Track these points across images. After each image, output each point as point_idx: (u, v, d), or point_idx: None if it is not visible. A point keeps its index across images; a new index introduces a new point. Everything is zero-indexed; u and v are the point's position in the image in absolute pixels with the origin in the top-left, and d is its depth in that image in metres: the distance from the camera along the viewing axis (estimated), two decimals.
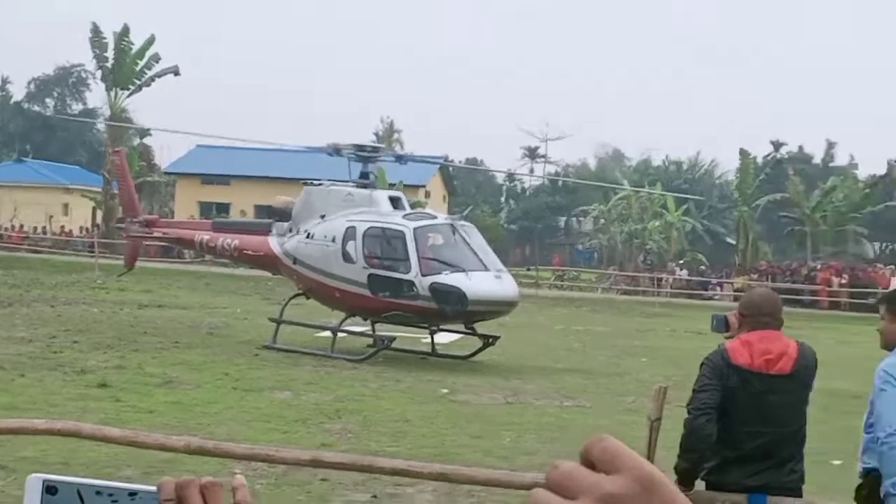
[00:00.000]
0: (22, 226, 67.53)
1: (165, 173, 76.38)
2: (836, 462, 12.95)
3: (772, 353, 6.07)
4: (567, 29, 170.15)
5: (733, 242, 74.80)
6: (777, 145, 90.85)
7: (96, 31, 61.31)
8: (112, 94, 62.50)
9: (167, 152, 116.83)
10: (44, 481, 1.21)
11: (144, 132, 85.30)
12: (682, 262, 63.84)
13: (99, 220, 64.92)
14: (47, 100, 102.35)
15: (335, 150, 24.81)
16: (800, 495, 6.19)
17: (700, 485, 6.33)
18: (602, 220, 76.55)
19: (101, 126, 79.75)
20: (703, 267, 62.16)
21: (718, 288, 54.81)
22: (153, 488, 1.22)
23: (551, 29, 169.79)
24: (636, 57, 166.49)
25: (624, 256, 68.15)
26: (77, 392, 15.64)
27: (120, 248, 42.50)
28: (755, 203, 66.42)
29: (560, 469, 1.13)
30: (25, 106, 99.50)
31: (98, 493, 1.22)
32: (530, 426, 15.02)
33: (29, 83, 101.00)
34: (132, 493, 1.22)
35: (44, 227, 69.56)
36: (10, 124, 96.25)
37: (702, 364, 6.25)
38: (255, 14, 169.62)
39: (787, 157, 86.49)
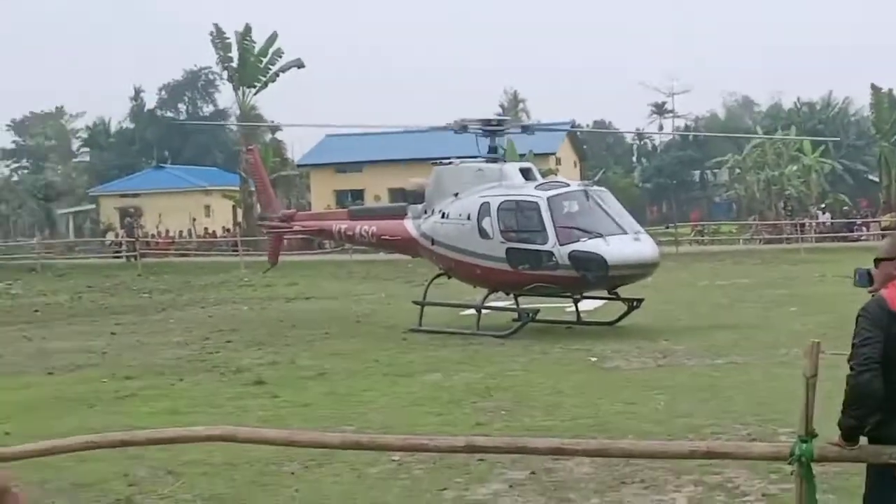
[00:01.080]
0: (167, 231, 69.37)
1: (298, 166, 77.50)
2: None
3: None
4: None
5: (877, 180, 72.78)
6: None
7: (219, 33, 62.47)
8: (240, 93, 63.66)
9: (299, 145, 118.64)
10: None
11: (275, 127, 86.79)
12: (823, 205, 62.41)
13: (240, 218, 66.23)
14: (179, 105, 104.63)
15: (462, 127, 24.87)
16: None
17: (862, 440, 6.21)
18: (737, 170, 75.25)
19: (233, 126, 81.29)
20: (846, 208, 60.65)
21: (864, 228, 53.43)
22: None
23: None
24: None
25: (763, 205, 66.90)
26: (235, 391, 16.03)
27: (262, 245, 43.34)
28: (895, 137, 64.52)
29: None
30: (159, 113, 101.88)
31: None
32: (683, 388, 14.90)
33: (160, 90, 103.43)
34: None
35: (188, 231, 71.33)
36: (146, 132, 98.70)
37: (858, 316, 6.04)
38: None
39: None
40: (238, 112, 66.62)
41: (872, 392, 5.86)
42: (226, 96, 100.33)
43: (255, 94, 63.68)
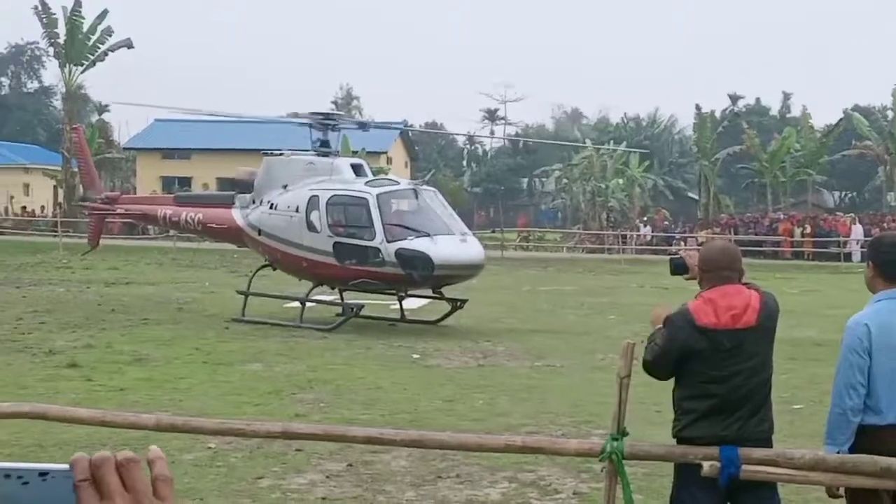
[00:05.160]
0: None
1: (125, 149, 75.83)
2: (797, 406, 13.13)
3: (736, 308, 6.07)
4: None
5: (695, 197, 75.16)
6: (734, 98, 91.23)
7: (44, 7, 60.40)
8: (66, 70, 61.82)
9: (126, 128, 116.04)
10: None
11: (102, 108, 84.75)
12: (645, 218, 64.10)
13: (61, 198, 64.39)
14: (2, 79, 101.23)
15: (295, 119, 24.71)
16: (770, 445, 6.26)
17: (672, 443, 6.41)
18: (564, 180, 76.69)
19: (57, 104, 78.94)
20: (666, 222, 62.42)
21: (682, 242, 55.07)
22: (66, 467, 1.19)
23: None
24: (589, 17, 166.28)
25: (588, 215, 68.25)
26: (47, 373, 15.60)
27: (83, 227, 42.26)
28: (715, 157, 66.76)
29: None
30: None
31: (7, 476, 1.18)
32: (502, 388, 15.11)
33: None
34: (43, 473, 1.18)
35: (5, 208, 69.00)
36: None
37: (665, 319, 6.25)
38: None
39: (744, 109, 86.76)
40: (63, 89, 64.67)
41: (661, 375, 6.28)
42: (52, 73, 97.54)
43: (83, 72, 61.91)
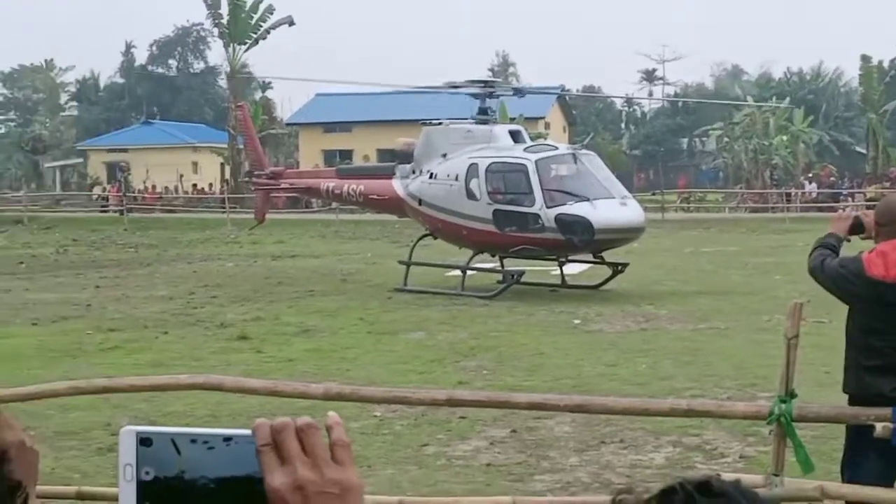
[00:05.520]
0: (154, 186, 69.09)
1: (288, 125, 77.18)
2: None
3: None
4: None
5: (863, 151, 72.82)
6: None
7: None
8: (230, 49, 63.22)
9: (288, 104, 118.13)
10: (137, 433, 1.23)
11: (266, 86, 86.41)
12: (811, 175, 62.47)
13: (227, 175, 65.98)
14: (170, 61, 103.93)
15: (453, 88, 24.81)
16: None
17: (843, 399, 6.29)
18: (725, 139, 75.17)
19: (223, 83, 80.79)
20: (832, 178, 60.69)
21: (850, 199, 53.54)
22: (248, 433, 1.23)
23: None
24: None
25: (750, 174, 66.71)
26: (219, 346, 16.07)
27: (249, 202, 43.25)
28: (883, 109, 64.52)
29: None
30: (150, 69, 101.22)
31: (193, 440, 1.22)
32: (665, 351, 14.98)
33: (151, 45, 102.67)
34: (227, 439, 1.23)
35: (175, 186, 71.05)
36: (136, 88, 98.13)
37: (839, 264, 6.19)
38: None
39: None
40: (228, 69, 66.15)
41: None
42: (216, 53, 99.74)
43: (246, 50, 63.27)
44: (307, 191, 30.99)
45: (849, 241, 6.48)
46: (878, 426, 5.88)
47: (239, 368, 13.81)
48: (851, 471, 6.22)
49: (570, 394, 9.66)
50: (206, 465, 1.22)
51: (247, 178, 38.25)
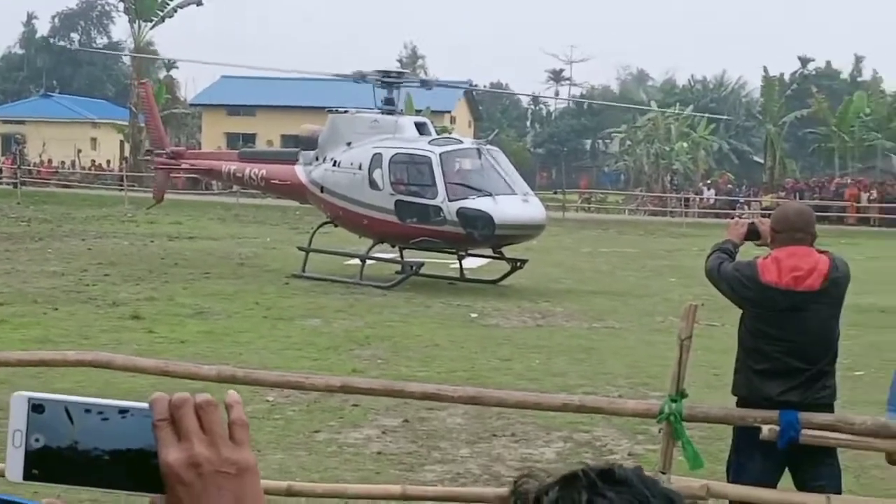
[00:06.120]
0: (51, 160, 67.76)
1: (191, 105, 76.31)
2: (859, 373, 12.95)
3: (801, 270, 6.02)
4: None
5: (761, 161, 74.21)
6: (805, 61, 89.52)
7: None
8: (136, 26, 62.23)
9: (192, 84, 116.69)
10: (29, 399, 1.19)
11: (170, 64, 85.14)
12: (709, 181, 63.49)
13: (127, 153, 64.99)
14: (72, 34, 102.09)
15: (360, 77, 24.72)
16: (831, 411, 6.19)
17: (731, 401, 6.38)
18: (628, 142, 76.11)
19: (126, 59, 79.56)
20: (730, 186, 61.80)
21: (746, 206, 54.55)
22: (145, 405, 1.20)
23: None
24: None
25: (651, 178, 67.75)
26: (110, 324, 15.81)
27: (148, 181, 42.62)
28: (782, 121, 65.85)
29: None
30: (51, 41, 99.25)
31: (87, 410, 1.19)
32: (560, 348, 15.10)
33: (53, 17, 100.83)
34: (123, 411, 1.20)
35: (73, 162, 69.77)
36: (36, 59, 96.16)
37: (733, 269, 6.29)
38: None
39: (814, 73, 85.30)
40: (132, 45, 65.11)
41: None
42: (121, 29, 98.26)
43: (152, 28, 62.33)
44: (208, 172, 30.67)
45: (742, 245, 6.59)
46: (765, 428, 5.98)
47: (130, 348, 13.58)
48: (737, 471, 6.32)
49: (463, 385, 9.68)
50: (100, 436, 1.19)
51: (146, 157, 37.65)
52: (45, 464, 1.19)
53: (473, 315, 18.28)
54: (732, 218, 8.29)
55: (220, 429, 1.20)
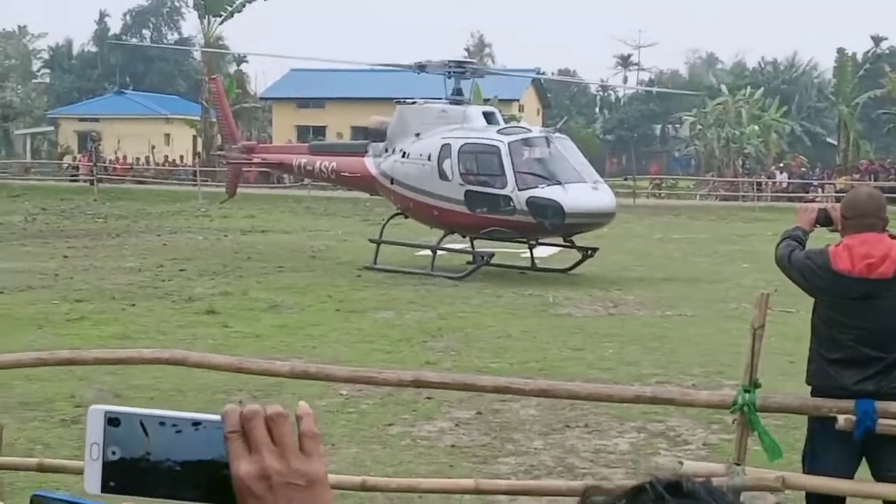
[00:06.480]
0: (125, 157, 68.62)
1: (261, 99, 76.82)
2: None
3: (874, 257, 5.95)
4: None
5: (834, 143, 73.14)
6: (877, 40, 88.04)
7: None
8: (205, 21, 62.77)
9: (262, 78, 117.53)
10: (105, 413, 1.23)
11: (240, 59, 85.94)
12: (781, 164, 62.71)
13: (199, 148, 65.60)
14: (144, 31, 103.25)
15: (422, 68, 24.75)
16: None
17: (806, 389, 6.32)
18: (698, 126, 75.39)
19: (197, 55, 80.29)
20: (803, 168, 60.97)
21: (819, 189, 53.83)
22: (218, 418, 1.23)
23: None
24: None
25: (722, 162, 66.97)
26: (186, 319, 16.02)
27: (221, 176, 43.06)
28: (855, 101, 64.82)
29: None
30: (123, 38, 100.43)
31: (161, 423, 1.23)
32: (632, 337, 15.04)
33: (125, 15, 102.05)
34: (196, 423, 1.24)
35: (147, 158, 70.60)
36: (109, 57, 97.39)
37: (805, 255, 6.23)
38: None
39: (887, 52, 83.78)
40: (202, 41, 65.70)
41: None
42: (191, 24, 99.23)
43: (221, 23, 62.79)
44: (279, 166, 30.91)
45: (812, 231, 6.53)
46: (841, 418, 5.92)
47: (205, 343, 13.77)
48: (812, 462, 6.26)
49: (535, 378, 9.69)
50: (173, 447, 1.23)
51: (219, 152, 38.03)
52: (121, 476, 1.23)
53: (552, 299, 18.30)
54: (805, 202, 8.16)
55: (290, 441, 1.23)
